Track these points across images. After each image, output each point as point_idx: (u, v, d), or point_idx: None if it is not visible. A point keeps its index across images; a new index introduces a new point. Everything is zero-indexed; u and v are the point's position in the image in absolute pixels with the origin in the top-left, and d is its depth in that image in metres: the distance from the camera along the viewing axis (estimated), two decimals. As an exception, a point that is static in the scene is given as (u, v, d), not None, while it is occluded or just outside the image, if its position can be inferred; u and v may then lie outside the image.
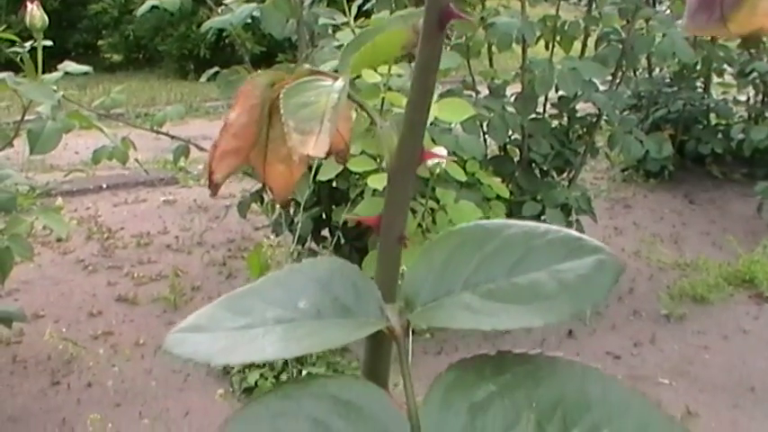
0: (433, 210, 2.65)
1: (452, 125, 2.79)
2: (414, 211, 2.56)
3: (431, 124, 2.54)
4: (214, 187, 0.49)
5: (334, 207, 2.80)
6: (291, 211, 3.01)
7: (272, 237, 2.92)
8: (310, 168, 2.62)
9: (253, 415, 0.35)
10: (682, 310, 3.01)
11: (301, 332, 0.37)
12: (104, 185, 4.72)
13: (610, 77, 3.22)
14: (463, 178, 2.61)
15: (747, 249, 3.46)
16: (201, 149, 3.15)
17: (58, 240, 3.84)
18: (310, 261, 0.40)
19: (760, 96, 4.62)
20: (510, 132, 3.12)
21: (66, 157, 5.57)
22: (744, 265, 3.31)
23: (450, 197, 2.56)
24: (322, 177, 2.55)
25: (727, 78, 4.58)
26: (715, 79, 4.66)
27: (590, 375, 0.38)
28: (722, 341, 2.81)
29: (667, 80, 4.78)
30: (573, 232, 0.39)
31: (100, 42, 9.76)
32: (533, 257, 0.39)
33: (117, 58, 10.09)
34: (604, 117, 3.21)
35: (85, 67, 2.61)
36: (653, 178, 4.69)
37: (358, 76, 2.30)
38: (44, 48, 2.13)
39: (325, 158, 0.41)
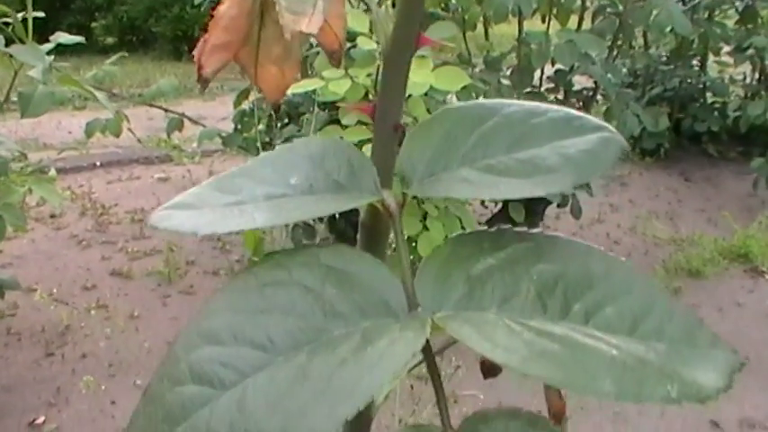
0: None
1: (448, 97, 2.77)
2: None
3: (425, 95, 2.52)
4: (203, 82, 0.47)
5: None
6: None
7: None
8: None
9: (241, 284, 0.34)
10: (677, 284, 3.00)
11: (293, 205, 0.35)
12: (98, 163, 4.70)
13: (606, 51, 3.20)
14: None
15: (743, 225, 3.45)
16: (194, 122, 3.13)
17: (52, 216, 3.82)
18: (303, 140, 0.39)
19: (756, 74, 4.60)
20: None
21: (60, 137, 5.55)
22: (739, 240, 3.31)
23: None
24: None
25: (724, 58, 4.56)
26: (712, 58, 4.64)
27: (593, 254, 0.36)
28: (717, 313, 2.81)
29: (664, 58, 4.77)
30: (574, 111, 0.38)
31: (93, 24, 9.70)
32: (534, 134, 0.37)
33: (110, 40, 10.02)
34: (601, 91, 3.20)
35: (78, 38, 2.58)
36: (649, 156, 4.68)
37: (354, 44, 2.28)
38: (36, 29, 2.10)
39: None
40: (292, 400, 0.29)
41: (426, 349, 0.33)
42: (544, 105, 0.39)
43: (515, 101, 0.39)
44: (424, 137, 0.38)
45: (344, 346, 0.31)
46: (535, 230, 0.36)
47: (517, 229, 0.36)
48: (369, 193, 0.36)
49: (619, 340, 0.33)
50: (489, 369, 0.54)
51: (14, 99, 2.21)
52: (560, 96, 3.25)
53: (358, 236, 0.40)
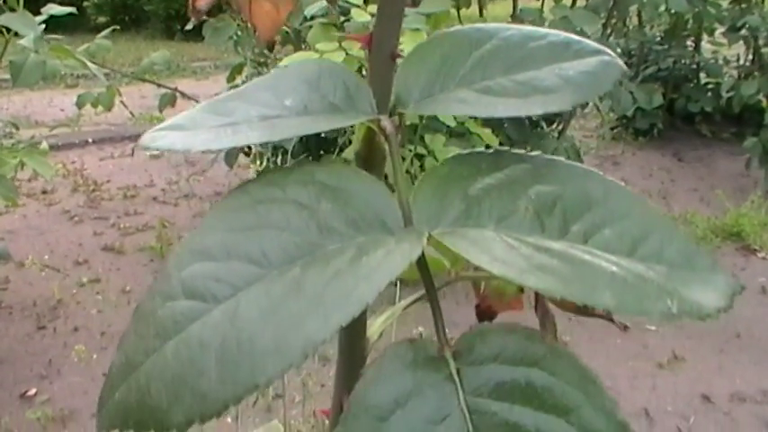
0: (421, 156, 2.63)
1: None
2: (402, 158, 2.54)
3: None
4: (196, 14, 0.47)
5: (322, 153, 2.78)
6: (279, 160, 2.98)
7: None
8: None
9: (234, 202, 0.33)
10: (669, 261, 3.00)
11: (287, 124, 0.35)
12: (90, 140, 4.67)
13: (601, 29, 3.19)
14: (452, 123, 2.59)
15: (735, 204, 3.46)
16: (187, 98, 3.11)
17: (44, 192, 3.80)
18: (297, 63, 0.38)
19: (750, 55, 4.59)
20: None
21: (52, 114, 5.52)
22: (731, 219, 3.31)
23: (440, 142, 2.54)
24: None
25: (718, 38, 4.54)
26: (705, 38, 4.63)
27: (591, 177, 0.36)
28: (709, 291, 2.81)
29: (658, 38, 4.75)
30: (574, 36, 0.37)
31: (85, 3, 9.62)
32: (533, 58, 0.37)
33: (102, 19, 9.94)
34: (595, 68, 3.18)
35: (70, 8, 2.55)
36: (642, 136, 4.68)
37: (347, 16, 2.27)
38: (27, 6, 2.08)
39: None
40: (286, 311, 0.29)
41: (422, 266, 0.32)
42: (543, 30, 0.38)
43: (513, 25, 0.38)
44: (420, 60, 0.37)
45: (339, 259, 0.30)
46: (534, 153, 0.36)
47: (515, 150, 0.36)
48: (365, 114, 0.36)
49: (618, 260, 0.32)
50: (484, 312, 0.53)
51: (5, 77, 2.19)
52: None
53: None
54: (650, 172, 4.23)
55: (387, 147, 0.35)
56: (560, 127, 3.25)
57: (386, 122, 0.35)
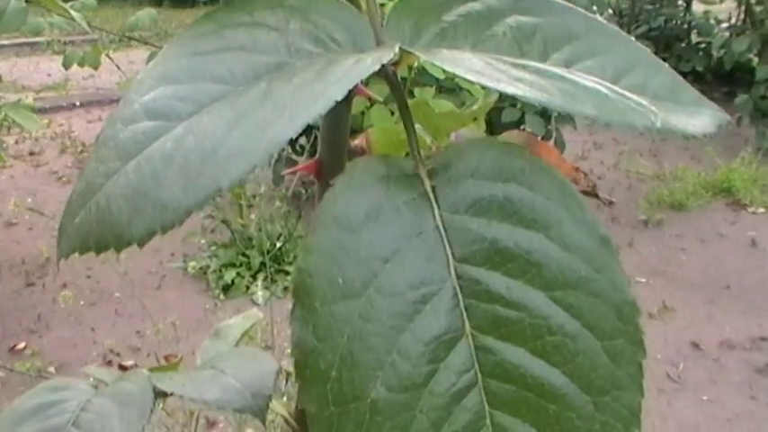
0: (411, 109, 2.61)
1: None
2: (392, 113, 2.52)
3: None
4: None
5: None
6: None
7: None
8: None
9: (198, 29, 0.32)
10: (660, 216, 3.01)
11: None
12: (78, 103, 4.62)
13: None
14: (442, 76, 2.57)
15: (726, 161, 3.45)
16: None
17: (31, 154, 3.77)
18: None
19: (741, 14, 4.57)
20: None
21: (38, 79, 5.46)
22: (722, 175, 3.31)
23: (429, 95, 2.52)
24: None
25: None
26: (697, -3, 4.61)
27: (573, 12, 0.34)
28: (699, 244, 2.82)
29: (649, -3, 4.73)
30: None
31: (71, -31, 9.49)
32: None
33: (89, -15, 9.81)
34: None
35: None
36: (633, 96, 4.65)
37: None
38: None
39: None
40: (251, 120, 0.27)
41: (393, 83, 0.31)
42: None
43: None
44: None
45: (308, 71, 0.29)
46: (513, -11, 0.34)
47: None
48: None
49: (601, 81, 0.31)
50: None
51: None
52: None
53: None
54: (641, 131, 4.20)
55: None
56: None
57: None
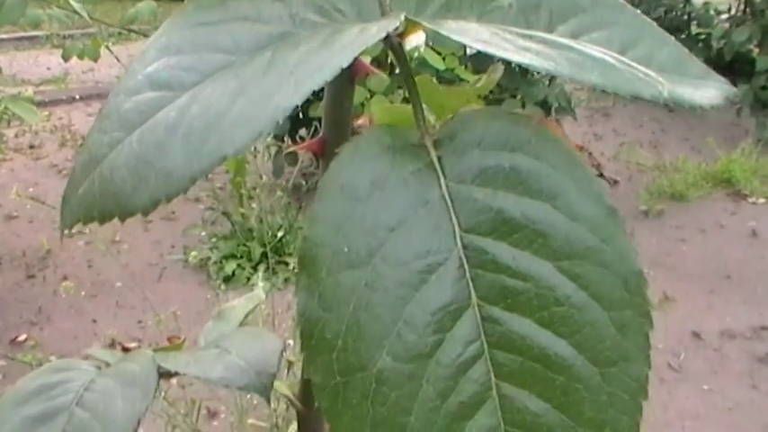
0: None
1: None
2: (391, 102, 2.52)
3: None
4: None
5: (311, 98, 2.73)
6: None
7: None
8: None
9: (201, 2, 0.31)
10: (660, 207, 3.01)
11: None
12: (77, 96, 4.62)
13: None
14: (442, 66, 2.57)
15: (726, 152, 3.45)
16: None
17: (31, 147, 3.76)
18: None
19: (741, 5, 4.55)
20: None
21: (38, 73, 5.45)
22: (722, 165, 3.30)
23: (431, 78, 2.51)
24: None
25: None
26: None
27: (578, -16, 0.34)
28: (699, 234, 2.81)
29: (649, -13, 4.70)
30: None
31: (69, -38, 9.46)
32: None
33: (87, -22, 9.79)
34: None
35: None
36: (633, 88, 4.64)
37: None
38: None
39: None
40: (256, 88, 0.27)
41: (399, 54, 0.30)
42: None
43: None
44: None
45: (314, 40, 0.28)
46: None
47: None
48: None
49: (608, 52, 0.31)
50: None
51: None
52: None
53: None
54: (641, 123, 4.21)
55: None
56: (551, 77, 3.22)
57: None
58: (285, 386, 0.47)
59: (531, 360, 0.28)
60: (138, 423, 0.41)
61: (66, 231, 0.33)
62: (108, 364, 0.47)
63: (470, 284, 0.28)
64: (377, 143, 0.28)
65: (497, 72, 0.41)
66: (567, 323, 0.28)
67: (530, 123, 0.29)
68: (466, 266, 0.28)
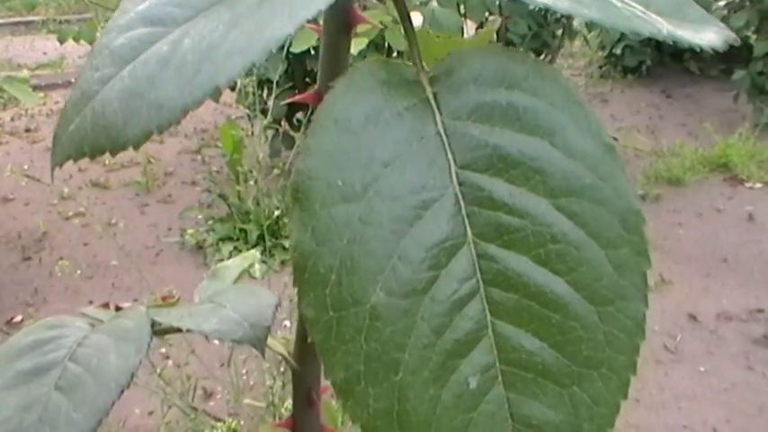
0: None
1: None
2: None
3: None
4: None
5: (308, 80, 2.74)
6: (264, 93, 2.94)
7: (246, 127, 2.84)
8: (282, 46, 2.55)
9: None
10: (657, 191, 3.00)
11: None
12: (73, 80, 4.57)
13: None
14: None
15: (723, 137, 3.44)
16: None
17: (27, 130, 3.75)
18: None
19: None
20: (487, 13, 3.05)
21: (34, 57, 5.43)
22: (719, 150, 3.30)
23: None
24: (295, 49, 2.47)
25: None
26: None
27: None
28: (696, 218, 2.81)
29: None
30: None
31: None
32: None
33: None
34: None
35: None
36: (630, 74, 4.64)
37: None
38: None
39: None
40: (250, 19, 0.27)
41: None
42: None
43: None
44: None
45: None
46: None
47: None
48: None
49: None
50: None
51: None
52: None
53: None
54: (638, 108, 4.20)
55: None
56: (548, 58, 3.22)
57: None
58: (280, 345, 0.47)
59: (527, 298, 0.28)
60: (132, 377, 0.41)
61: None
62: (102, 322, 0.47)
63: (466, 221, 0.28)
64: (372, 77, 0.28)
65: (495, 23, 0.41)
66: (563, 261, 0.28)
67: (527, 60, 0.29)
68: (461, 203, 0.28)
